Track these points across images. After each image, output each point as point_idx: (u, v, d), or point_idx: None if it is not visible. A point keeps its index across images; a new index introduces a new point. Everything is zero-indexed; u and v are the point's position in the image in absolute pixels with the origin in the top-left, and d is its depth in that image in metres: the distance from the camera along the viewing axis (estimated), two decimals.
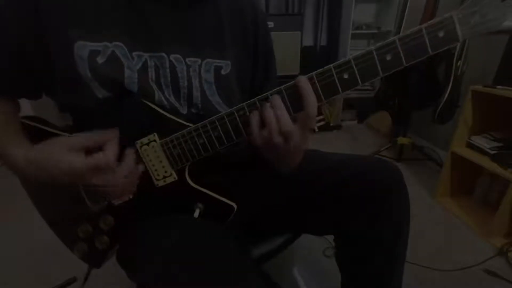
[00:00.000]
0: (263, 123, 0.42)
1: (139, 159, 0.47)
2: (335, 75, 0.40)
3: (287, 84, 0.41)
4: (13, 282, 1.10)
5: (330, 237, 0.62)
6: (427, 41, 0.37)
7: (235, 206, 0.51)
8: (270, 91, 0.42)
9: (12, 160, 0.44)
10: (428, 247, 1.19)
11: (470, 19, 0.36)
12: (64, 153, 0.41)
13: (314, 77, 0.40)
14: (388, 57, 0.38)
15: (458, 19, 0.36)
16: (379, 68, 0.39)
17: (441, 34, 0.37)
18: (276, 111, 0.41)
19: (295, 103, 0.41)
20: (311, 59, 2.72)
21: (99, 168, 0.42)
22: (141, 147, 0.47)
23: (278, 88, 0.42)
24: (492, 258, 1.13)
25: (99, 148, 0.43)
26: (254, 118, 0.42)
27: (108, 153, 0.42)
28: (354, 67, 0.39)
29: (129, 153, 0.46)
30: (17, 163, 0.44)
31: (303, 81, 0.40)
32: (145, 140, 0.47)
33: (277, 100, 0.41)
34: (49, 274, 1.09)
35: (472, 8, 0.36)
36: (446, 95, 1.50)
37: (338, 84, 0.40)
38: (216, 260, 0.40)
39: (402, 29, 2.32)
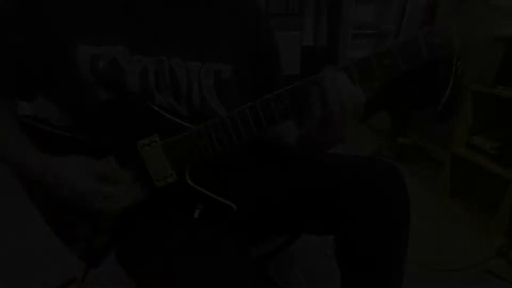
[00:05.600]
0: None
1: (139, 160, 0.47)
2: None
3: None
4: (13, 282, 1.10)
5: (330, 237, 0.62)
6: (424, 47, 0.39)
7: (234, 206, 0.51)
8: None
9: (28, 171, 0.45)
10: (428, 247, 1.19)
11: (463, 26, 0.37)
12: (88, 178, 0.43)
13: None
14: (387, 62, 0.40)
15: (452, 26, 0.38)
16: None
17: (437, 40, 0.38)
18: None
19: None
20: (311, 59, 2.72)
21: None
22: (142, 147, 0.47)
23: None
24: (492, 258, 1.13)
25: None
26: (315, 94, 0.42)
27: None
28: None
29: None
30: (40, 174, 0.44)
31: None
32: (146, 141, 0.46)
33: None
34: (49, 274, 1.09)
35: (464, 15, 0.37)
36: (446, 95, 1.50)
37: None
38: (216, 260, 0.40)
39: (402, 29, 2.32)
